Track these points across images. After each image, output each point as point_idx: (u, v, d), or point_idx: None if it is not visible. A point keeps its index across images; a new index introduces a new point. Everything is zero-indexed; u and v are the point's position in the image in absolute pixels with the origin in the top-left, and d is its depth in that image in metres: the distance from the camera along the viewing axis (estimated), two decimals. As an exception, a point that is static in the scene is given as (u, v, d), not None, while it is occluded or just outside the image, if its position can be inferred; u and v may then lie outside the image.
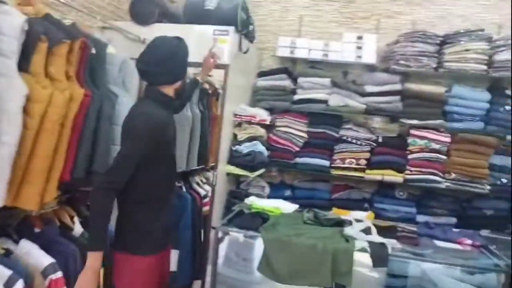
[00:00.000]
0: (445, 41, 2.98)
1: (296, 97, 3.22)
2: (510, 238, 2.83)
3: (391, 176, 3.08)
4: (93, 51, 1.80)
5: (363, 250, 1.83)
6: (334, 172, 3.19)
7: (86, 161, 1.74)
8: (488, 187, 2.95)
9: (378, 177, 3.11)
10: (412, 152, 3.07)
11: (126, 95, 2.22)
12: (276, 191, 3.34)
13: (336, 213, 3.09)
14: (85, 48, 1.74)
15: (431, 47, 2.97)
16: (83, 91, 1.70)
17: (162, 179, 1.71)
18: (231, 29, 2.61)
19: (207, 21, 2.65)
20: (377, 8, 3.34)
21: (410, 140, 3.09)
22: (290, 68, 3.38)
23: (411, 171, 3.06)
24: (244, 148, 2.99)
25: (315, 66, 3.29)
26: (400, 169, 3.07)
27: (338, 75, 3.20)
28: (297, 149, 3.27)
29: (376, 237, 1.93)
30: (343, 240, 1.89)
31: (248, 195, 3.00)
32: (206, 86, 2.96)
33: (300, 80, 3.21)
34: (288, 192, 3.35)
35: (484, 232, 2.93)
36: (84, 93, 1.70)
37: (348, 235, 1.93)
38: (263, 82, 3.29)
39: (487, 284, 1.99)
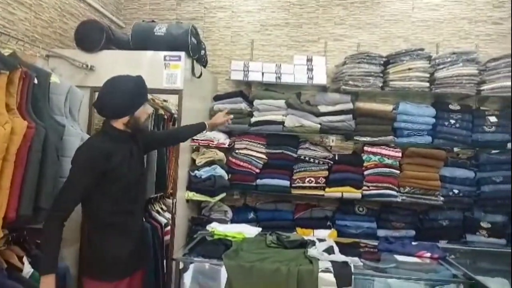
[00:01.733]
0: (389, 61, 3.15)
1: (253, 119, 3.24)
2: (466, 247, 2.97)
3: (349, 192, 3.14)
4: (35, 81, 1.71)
5: (327, 270, 1.82)
6: (295, 191, 3.21)
7: (33, 197, 1.67)
8: (442, 198, 3.08)
9: (338, 194, 3.16)
10: (367, 168, 3.16)
11: (75, 125, 2.12)
12: (239, 215, 3.29)
13: (299, 232, 3.10)
14: (26, 78, 1.65)
15: (376, 67, 3.12)
16: (26, 123, 1.61)
17: (121, 206, 1.76)
18: (182, 54, 2.60)
19: (157, 47, 2.63)
20: (323, 32, 3.49)
21: (364, 156, 3.18)
22: (245, 91, 3.41)
23: (368, 186, 3.14)
24: (203, 172, 2.93)
25: (269, 88, 3.35)
26: (357, 185, 3.15)
27: (292, 97, 3.27)
28: (258, 170, 3.26)
29: (339, 256, 1.93)
30: (307, 261, 1.88)
31: (210, 220, 2.93)
32: (162, 112, 2.91)
33: (256, 102, 3.25)
34: (251, 215, 3.31)
35: (442, 243, 3.03)
36: (27, 125, 1.61)
37: (311, 256, 1.92)
38: (219, 106, 3.28)
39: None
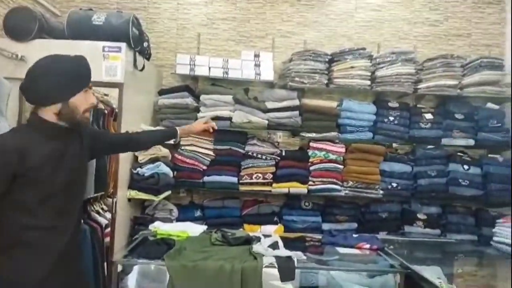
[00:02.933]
0: (333, 59, 3.22)
1: (200, 114, 3.17)
2: (404, 238, 3.13)
3: (296, 188, 3.18)
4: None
5: (271, 265, 1.82)
6: (243, 188, 3.19)
7: None
8: (381, 192, 3.21)
9: (285, 190, 3.19)
10: (313, 164, 3.22)
11: (2, 119, 1.94)
12: (185, 213, 3.21)
13: (247, 229, 3.09)
14: None
15: (321, 64, 3.18)
16: None
17: (37, 220, 1.41)
18: (123, 45, 2.47)
19: (95, 37, 2.47)
20: (271, 28, 3.49)
21: (310, 152, 3.24)
22: (191, 85, 3.33)
23: (313, 182, 3.20)
24: (146, 170, 2.81)
25: (216, 83, 3.29)
26: (303, 181, 3.19)
27: (240, 92, 3.24)
28: (205, 167, 3.20)
29: (283, 251, 1.94)
30: (251, 258, 1.87)
31: (154, 220, 2.83)
32: (102, 106, 2.75)
33: (203, 97, 3.18)
34: (198, 213, 3.24)
35: (382, 234, 3.18)
36: None
37: (256, 252, 1.91)
38: (164, 100, 3.17)
39: (386, 285, 2.13)
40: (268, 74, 3.19)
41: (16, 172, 1.35)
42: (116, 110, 2.76)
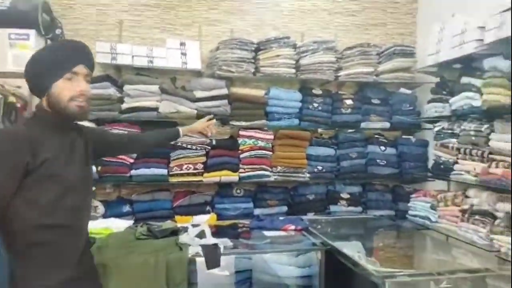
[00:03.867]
0: (259, 47, 3.27)
1: (124, 105, 3.05)
2: (329, 217, 3.32)
3: (227, 176, 3.21)
4: None
5: (197, 255, 1.84)
6: (173, 179, 3.14)
7: None
8: (308, 175, 3.36)
9: (216, 179, 3.20)
10: (243, 151, 3.27)
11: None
12: (112, 209, 3.09)
13: (179, 220, 3.07)
14: None
15: (248, 53, 3.22)
16: None
17: (53, 219, 1.33)
18: (32, 32, 2.30)
19: (-1, 23, 2.26)
20: (197, 16, 3.43)
21: (240, 140, 3.29)
22: (113, 75, 3.18)
23: (244, 169, 3.25)
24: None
25: (141, 73, 3.18)
26: (234, 169, 3.23)
27: (166, 82, 3.16)
28: (132, 160, 3.10)
29: (209, 240, 1.96)
30: (177, 249, 1.86)
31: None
32: (13, 99, 2.52)
33: (127, 88, 3.05)
34: (126, 208, 3.14)
35: (310, 215, 3.35)
36: None
37: (182, 243, 1.91)
38: (84, 92, 2.99)
39: (309, 263, 2.26)
40: (195, 63, 3.15)
41: (30, 165, 1.26)
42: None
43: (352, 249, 2.32)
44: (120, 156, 3.04)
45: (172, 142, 3.10)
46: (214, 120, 2.30)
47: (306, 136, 3.37)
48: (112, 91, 3.01)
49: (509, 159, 2.30)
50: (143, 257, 1.74)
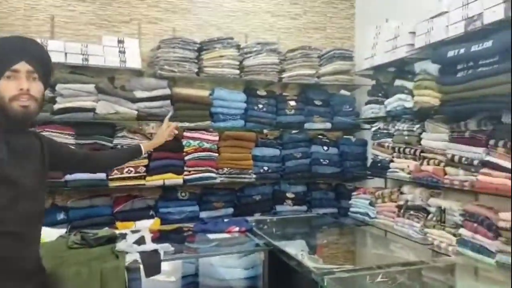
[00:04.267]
0: (203, 47, 3.22)
1: (57, 106, 2.85)
2: (275, 217, 3.34)
3: (171, 179, 3.12)
4: None
5: (135, 262, 1.75)
6: (113, 184, 2.99)
7: None
8: (254, 176, 3.37)
9: (159, 182, 3.10)
10: (188, 153, 3.20)
11: None
12: (45, 217, 2.84)
13: (120, 226, 2.92)
14: None
15: (191, 53, 3.16)
16: None
17: (4, 224, 1.23)
18: None
19: None
20: (136, 13, 3.31)
21: (184, 142, 3.21)
22: (44, 74, 2.96)
23: (189, 171, 3.18)
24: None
25: (75, 71, 2.99)
26: (179, 171, 3.15)
27: (104, 81, 3.00)
28: (66, 165, 2.90)
29: (149, 246, 1.87)
30: (113, 257, 1.76)
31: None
32: None
33: (59, 87, 2.85)
34: (61, 216, 2.94)
35: (256, 215, 3.35)
36: None
37: (119, 251, 1.80)
38: (10, 91, 2.75)
39: (254, 264, 2.25)
40: (134, 61, 3.03)
41: None
42: None
43: (296, 248, 2.34)
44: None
45: (109, 144, 2.99)
46: (174, 125, 2.19)
47: (251, 137, 3.37)
48: (42, 90, 2.79)
49: (439, 156, 2.45)
50: (75, 268, 1.62)
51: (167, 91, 3.14)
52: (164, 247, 1.90)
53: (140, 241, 1.91)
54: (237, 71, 3.29)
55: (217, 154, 3.28)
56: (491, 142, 2.08)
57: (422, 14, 2.52)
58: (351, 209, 3.38)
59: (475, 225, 2.10)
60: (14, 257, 1.27)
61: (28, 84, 1.29)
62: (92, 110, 2.91)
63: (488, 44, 1.97)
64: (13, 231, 1.26)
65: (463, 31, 2.17)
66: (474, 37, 2.10)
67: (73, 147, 2.30)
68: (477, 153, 2.14)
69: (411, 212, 2.66)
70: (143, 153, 1.97)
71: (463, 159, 2.23)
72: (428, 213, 2.55)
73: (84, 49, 2.90)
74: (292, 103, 3.49)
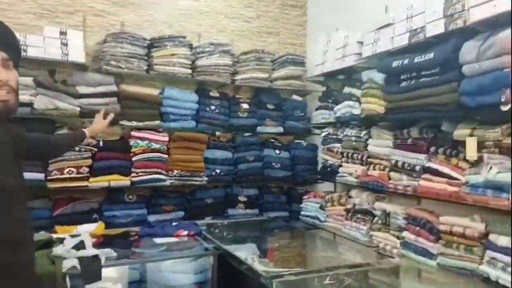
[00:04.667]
0: (153, 44, 3.11)
1: (-11, 99, 2.60)
2: (227, 221, 3.30)
3: (117, 180, 2.97)
4: None
5: (73, 268, 1.62)
6: (52, 185, 2.79)
7: None
8: (206, 178, 3.30)
9: (104, 184, 2.94)
10: (135, 154, 3.06)
11: None
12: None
13: (59, 231, 2.72)
14: None
15: (140, 49, 3.03)
16: None
17: None
18: None
19: None
20: (81, 4, 3.12)
21: (132, 142, 3.07)
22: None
23: (137, 173, 3.05)
24: None
25: (11, 63, 2.75)
26: (125, 173, 3.01)
27: (43, 74, 2.79)
28: (-2, 164, 2.65)
29: (89, 251, 1.75)
30: (48, 262, 1.62)
31: None
32: None
33: (-8, 79, 2.61)
34: (-7, 218, 2.67)
35: (208, 219, 3.28)
36: None
37: (55, 256, 1.67)
38: None
39: (203, 268, 2.19)
40: (78, 55, 2.84)
41: None
42: None
43: (246, 252, 2.31)
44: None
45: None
46: (112, 114, 2.24)
47: (203, 139, 3.30)
48: (-29, 82, 2.54)
49: (384, 162, 2.55)
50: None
51: (113, 88, 2.99)
52: (105, 252, 1.79)
53: (79, 246, 1.78)
54: (189, 71, 3.21)
55: (166, 156, 3.17)
56: (432, 149, 2.19)
57: (370, 25, 2.61)
58: (302, 213, 3.42)
59: (418, 228, 2.19)
60: (11, 264, 1.15)
61: (6, 74, 1.14)
62: (30, 105, 2.70)
63: (430, 55, 2.07)
64: (8, 239, 1.14)
65: (407, 42, 2.27)
66: (418, 48, 2.21)
67: (37, 133, 2.14)
68: (419, 159, 2.25)
69: (358, 215, 2.74)
70: (87, 137, 2.04)
71: (406, 164, 2.33)
72: (374, 216, 2.64)
73: (22, 40, 2.67)
74: (245, 106, 3.47)
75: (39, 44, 2.73)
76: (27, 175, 2.63)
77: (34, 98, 2.71)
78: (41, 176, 2.76)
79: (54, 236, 1.96)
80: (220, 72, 3.28)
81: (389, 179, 2.46)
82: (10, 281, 1.15)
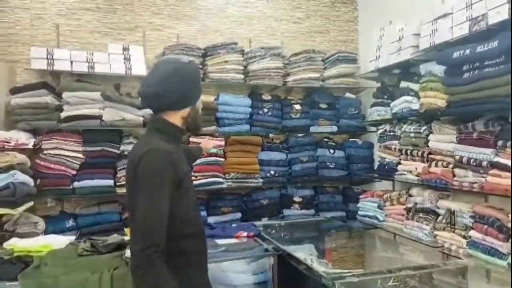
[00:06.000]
0: (207, 53, 3.24)
1: (64, 114, 2.87)
2: (283, 221, 3.33)
3: (178, 185, 3.12)
4: None
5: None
6: (120, 190, 2.99)
7: None
8: (261, 180, 3.36)
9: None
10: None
11: None
12: (54, 224, 2.87)
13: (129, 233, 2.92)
14: None
15: (195, 59, 3.17)
16: None
17: (191, 227, 1.46)
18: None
19: None
20: (140, 21, 3.33)
21: (190, 147, 3.21)
22: (51, 82, 3.00)
23: (196, 176, 3.17)
24: (-1, 181, 2.44)
25: (81, 79, 3.02)
26: (187, 177, 3.15)
27: (109, 88, 3.02)
28: (74, 172, 2.92)
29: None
30: (123, 264, 1.76)
31: (14, 236, 2.47)
32: None
33: (65, 95, 2.88)
34: (70, 223, 2.94)
35: (264, 220, 3.34)
36: None
37: (129, 258, 1.80)
38: (18, 100, 2.78)
39: (263, 269, 2.24)
40: (140, 68, 3.04)
41: (174, 181, 1.35)
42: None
43: (304, 253, 2.33)
44: (60, 168, 2.86)
45: (116, 150, 3.02)
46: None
47: (257, 141, 3.37)
48: (49, 99, 2.82)
49: (447, 158, 2.43)
50: (85, 275, 1.62)
51: (172, 97, 3.14)
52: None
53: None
54: (242, 76, 3.30)
55: (223, 159, 3.28)
56: (499, 143, 2.06)
57: (426, 16, 2.51)
58: (359, 213, 3.36)
59: (485, 226, 2.08)
60: (201, 253, 1.52)
61: None
62: (99, 117, 2.93)
63: (494, 44, 1.96)
64: (195, 232, 1.50)
65: (467, 32, 2.16)
66: (479, 37, 2.09)
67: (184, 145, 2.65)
68: (485, 154, 2.13)
69: (420, 214, 2.64)
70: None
71: (472, 160, 2.21)
72: (438, 215, 2.53)
73: (89, 57, 2.93)
74: (297, 107, 3.49)
75: (105, 60, 2.97)
76: (99, 182, 2.93)
77: (103, 111, 2.93)
78: (110, 182, 2.98)
79: (126, 238, 2.12)
80: (271, 75, 3.33)
81: (454, 176, 2.35)
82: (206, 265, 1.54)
